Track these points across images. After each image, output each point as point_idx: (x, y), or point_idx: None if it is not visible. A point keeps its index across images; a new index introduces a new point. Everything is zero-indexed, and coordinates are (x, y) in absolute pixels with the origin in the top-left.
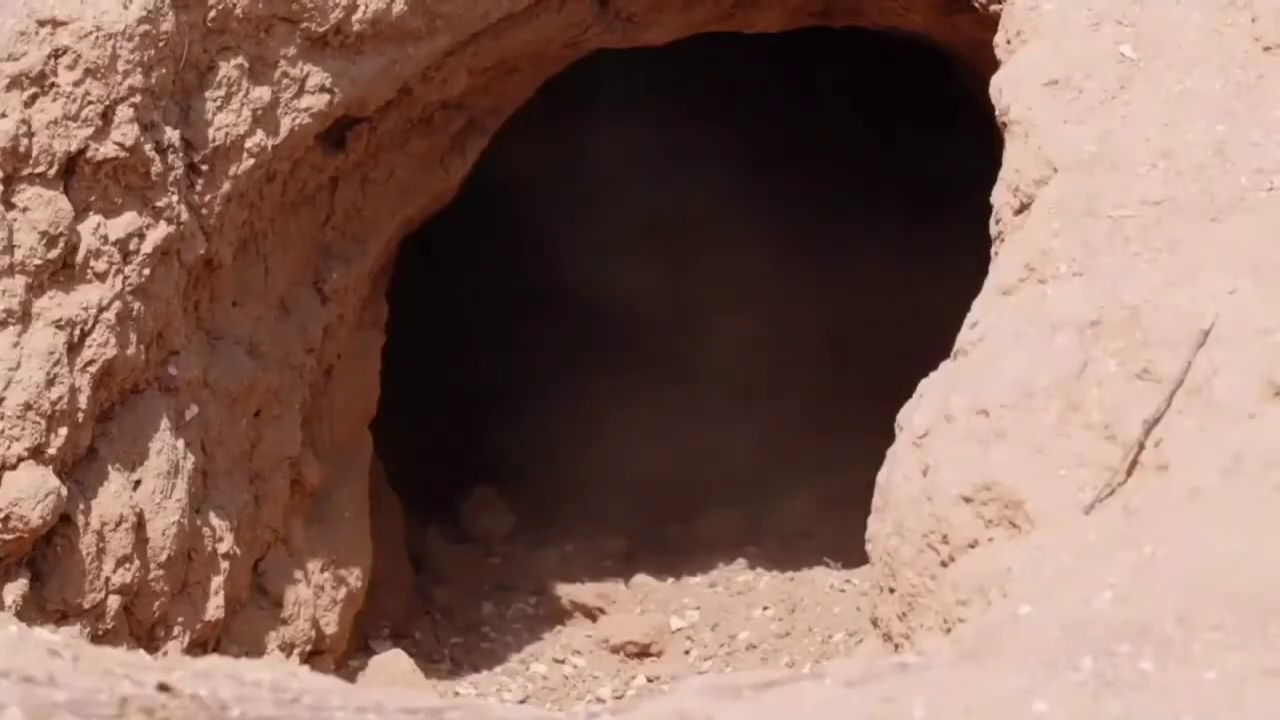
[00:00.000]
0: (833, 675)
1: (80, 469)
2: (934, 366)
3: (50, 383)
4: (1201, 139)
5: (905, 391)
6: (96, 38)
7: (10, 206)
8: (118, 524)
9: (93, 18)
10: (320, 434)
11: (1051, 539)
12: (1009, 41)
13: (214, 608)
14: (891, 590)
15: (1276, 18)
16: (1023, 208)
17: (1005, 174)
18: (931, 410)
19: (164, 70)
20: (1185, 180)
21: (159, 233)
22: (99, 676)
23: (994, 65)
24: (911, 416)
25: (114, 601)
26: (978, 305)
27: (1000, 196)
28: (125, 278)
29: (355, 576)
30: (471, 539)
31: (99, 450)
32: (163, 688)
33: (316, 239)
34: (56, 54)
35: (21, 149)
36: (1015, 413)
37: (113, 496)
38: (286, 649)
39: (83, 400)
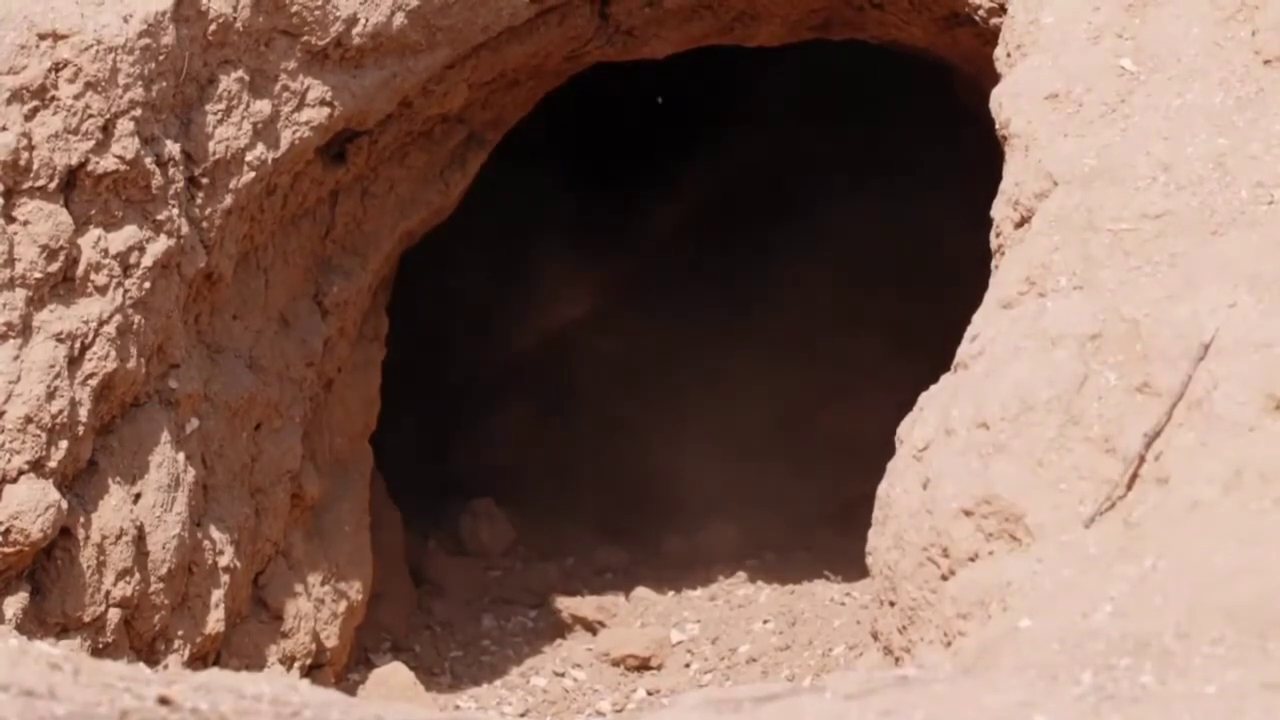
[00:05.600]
0: (833, 689)
1: (80, 482)
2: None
3: (51, 396)
4: (1201, 152)
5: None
6: (97, 51)
7: (11, 220)
8: (118, 537)
9: (93, 31)
10: (320, 447)
11: (1052, 552)
12: (1009, 55)
13: (214, 621)
14: (892, 603)
15: (1276, 31)
16: (1023, 221)
17: (1005, 187)
18: (931, 423)
19: (164, 84)
20: (1185, 194)
21: (159, 246)
22: (99, 690)
23: (994, 79)
24: (911, 430)
25: (114, 615)
26: (978, 318)
27: (1000, 210)
28: (126, 291)
29: (355, 590)
30: (471, 552)
31: (99, 463)
32: (163, 701)
33: (317, 252)
34: (57, 67)
35: (22, 162)
36: (1015, 426)
37: (113, 510)
38: (287, 662)
39: (83, 413)
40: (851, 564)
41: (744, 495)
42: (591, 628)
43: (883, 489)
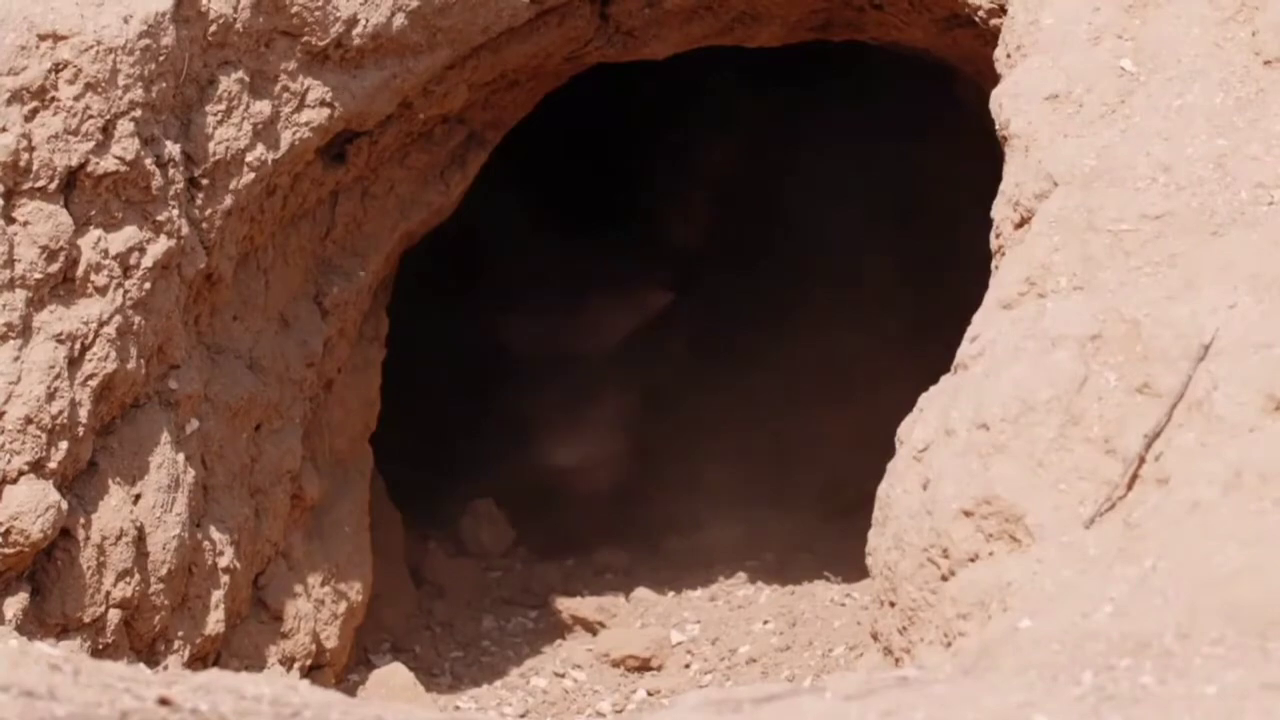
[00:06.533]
0: (833, 689)
1: (80, 483)
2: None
3: (51, 396)
4: (1201, 153)
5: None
6: (97, 52)
7: (11, 220)
8: (118, 538)
9: (93, 32)
10: (320, 448)
11: (1052, 553)
12: (1009, 56)
13: (214, 622)
14: (892, 604)
15: (1276, 31)
16: (1023, 221)
17: (1005, 188)
18: (931, 424)
19: (164, 84)
20: (1185, 194)
21: (159, 247)
22: (99, 690)
23: (994, 79)
24: (911, 430)
25: (114, 615)
26: (978, 319)
27: (1000, 210)
28: (126, 292)
29: (355, 590)
30: (471, 553)
31: (99, 464)
32: (163, 702)
33: (317, 253)
34: (57, 68)
35: (22, 163)
36: (1015, 427)
37: (113, 510)
38: (287, 663)
39: (83, 414)
40: (851, 564)
41: (744, 495)
42: (591, 628)
43: (883, 489)
